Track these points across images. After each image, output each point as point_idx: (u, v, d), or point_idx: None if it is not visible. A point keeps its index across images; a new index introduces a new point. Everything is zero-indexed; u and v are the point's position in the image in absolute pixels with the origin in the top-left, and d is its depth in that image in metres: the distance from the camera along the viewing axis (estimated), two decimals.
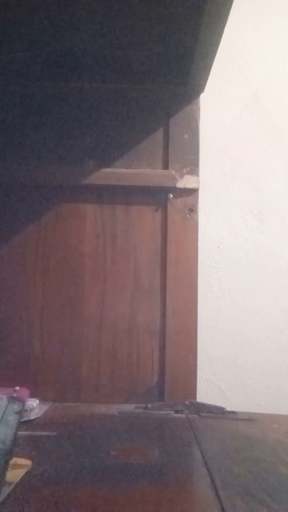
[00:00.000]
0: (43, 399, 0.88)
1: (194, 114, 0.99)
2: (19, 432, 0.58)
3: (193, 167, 0.97)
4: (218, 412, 0.86)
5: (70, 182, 0.96)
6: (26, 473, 0.56)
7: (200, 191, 0.98)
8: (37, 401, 0.84)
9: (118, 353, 0.94)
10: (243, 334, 1.01)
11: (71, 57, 0.92)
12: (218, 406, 0.87)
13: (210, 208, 1.03)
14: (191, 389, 0.93)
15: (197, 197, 0.97)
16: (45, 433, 0.72)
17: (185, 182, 0.96)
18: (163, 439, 0.73)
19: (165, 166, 0.97)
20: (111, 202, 0.97)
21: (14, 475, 0.55)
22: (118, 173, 0.96)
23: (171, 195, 0.96)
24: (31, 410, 0.80)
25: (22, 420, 0.63)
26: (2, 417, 0.57)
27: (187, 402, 0.87)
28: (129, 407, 0.89)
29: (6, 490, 0.51)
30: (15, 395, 0.61)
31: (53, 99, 0.98)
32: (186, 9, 0.75)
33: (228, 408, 0.87)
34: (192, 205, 0.97)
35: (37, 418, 0.79)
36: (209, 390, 0.99)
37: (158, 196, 0.97)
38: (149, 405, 0.88)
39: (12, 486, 0.52)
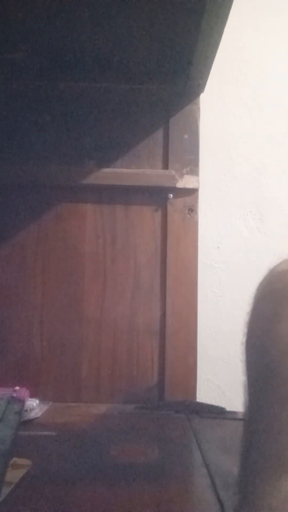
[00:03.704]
0: (43, 399, 0.88)
1: (194, 114, 0.99)
2: (19, 432, 0.58)
3: (193, 167, 0.97)
4: (218, 412, 0.86)
5: (70, 182, 0.96)
6: (26, 473, 0.56)
7: (200, 191, 0.98)
8: (37, 401, 0.84)
9: (118, 353, 0.94)
10: (243, 334, 1.01)
11: (71, 57, 0.92)
12: (218, 406, 0.87)
13: (210, 208, 1.03)
14: (191, 389, 0.93)
15: (197, 197, 0.97)
16: (45, 433, 0.72)
17: (185, 182, 0.96)
18: (163, 439, 0.73)
19: (165, 166, 0.97)
20: (111, 202, 0.97)
21: (14, 475, 0.55)
22: (118, 173, 0.96)
23: (171, 195, 0.96)
24: (31, 410, 0.80)
25: (22, 420, 0.63)
26: (2, 417, 0.57)
27: (187, 402, 0.87)
28: (129, 407, 0.89)
29: (6, 490, 0.51)
30: (15, 395, 0.61)
31: (53, 99, 0.98)
32: (186, 9, 0.75)
33: (228, 408, 0.87)
34: (192, 205, 0.97)
35: (37, 418, 0.79)
36: (209, 390, 0.99)
37: (158, 196, 0.97)
38: (149, 405, 0.88)
39: (12, 486, 0.52)
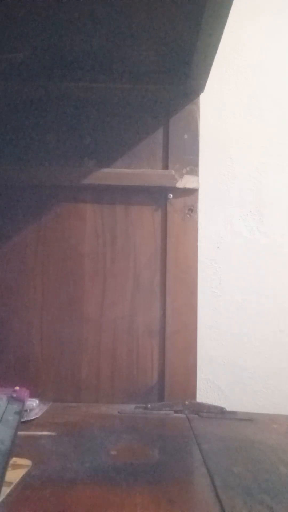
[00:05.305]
0: (43, 399, 0.88)
1: (194, 114, 0.99)
2: (19, 432, 0.58)
3: (193, 167, 0.97)
4: (218, 412, 0.86)
5: (70, 182, 0.96)
6: (26, 473, 0.56)
7: (200, 191, 0.98)
8: (37, 401, 0.84)
9: (118, 353, 0.94)
10: (243, 334, 1.01)
11: (71, 57, 0.92)
12: (218, 406, 0.87)
13: (210, 208, 1.03)
14: (191, 389, 0.93)
15: (197, 197, 0.97)
16: (45, 433, 0.72)
17: (185, 182, 0.96)
18: (163, 439, 0.73)
19: (165, 166, 0.97)
20: (111, 202, 0.97)
21: (14, 475, 0.55)
22: (118, 173, 0.96)
23: (171, 195, 0.96)
24: (31, 410, 0.80)
25: (22, 420, 0.63)
26: (2, 417, 0.57)
27: (187, 402, 0.88)
28: (129, 407, 0.89)
29: (6, 490, 0.51)
30: (15, 395, 0.61)
31: (53, 99, 0.98)
32: (186, 9, 0.75)
33: (228, 408, 0.87)
34: (192, 205, 0.97)
35: (37, 418, 0.79)
36: (209, 390, 0.99)
37: (158, 196, 0.97)
38: (149, 405, 0.88)
39: (12, 486, 0.52)
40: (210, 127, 1.03)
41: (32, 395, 0.80)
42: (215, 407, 0.87)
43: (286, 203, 1.04)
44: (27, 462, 0.60)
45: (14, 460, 0.59)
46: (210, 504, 0.50)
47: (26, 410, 0.78)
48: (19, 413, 0.58)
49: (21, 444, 0.66)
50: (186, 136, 0.98)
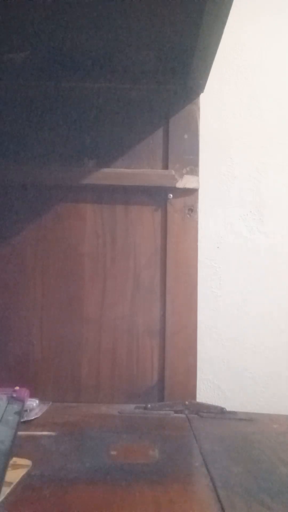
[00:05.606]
0: (43, 399, 0.88)
1: (194, 114, 0.99)
2: (19, 432, 0.58)
3: (193, 167, 0.97)
4: (218, 412, 0.86)
5: (70, 182, 0.96)
6: (26, 473, 0.56)
7: (200, 191, 0.98)
8: (37, 401, 0.84)
9: (118, 353, 0.94)
10: (243, 334, 1.01)
11: (71, 57, 0.92)
12: (218, 406, 0.87)
13: (210, 208, 1.03)
14: (191, 389, 0.93)
15: (197, 197, 0.97)
16: (45, 433, 0.72)
17: (185, 182, 0.96)
18: (163, 439, 0.73)
19: (165, 166, 0.97)
20: (111, 202, 0.97)
21: (14, 475, 0.55)
22: (118, 173, 0.96)
23: (171, 195, 0.96)
24: (31, 410, 0.80)
25: (22, 420, 0.63)
26: (2, 417, 0.57)
27: (187, 402, 0.87)
28: (129, 407, 0.89)
29: (6, 490, 0.51)
30: (15, 395, 0.61)
31: (53, 99, 0.98)
32: (186, 9, 0.75)
33: (228, 408, 0.87)
34: (192, 205, 0.97)
35: (37, 418, 0.79)
36: (209, 390, 0.99)
37: (157, 196, 0.97)
38: (149, 405, 0.88)
39: (12, 486, 0.52)
40: (210, 127, 1.03)
41: (32, 395, 0.80)
42: (215, 407, 0.87)
43: (286, 203, 1.04)
44: (27, 462, 0.60)
45: (14, 460, 0.59)
46: (210, 504, 0.50)
47: (26, 410, 0.78)
48: (19, 413, 0.59)
49: (21, 444, 0.66)
50: (186, 136, 0.98)
